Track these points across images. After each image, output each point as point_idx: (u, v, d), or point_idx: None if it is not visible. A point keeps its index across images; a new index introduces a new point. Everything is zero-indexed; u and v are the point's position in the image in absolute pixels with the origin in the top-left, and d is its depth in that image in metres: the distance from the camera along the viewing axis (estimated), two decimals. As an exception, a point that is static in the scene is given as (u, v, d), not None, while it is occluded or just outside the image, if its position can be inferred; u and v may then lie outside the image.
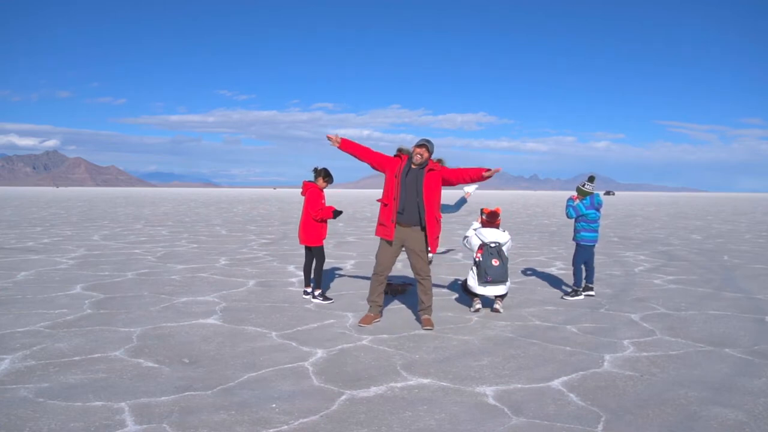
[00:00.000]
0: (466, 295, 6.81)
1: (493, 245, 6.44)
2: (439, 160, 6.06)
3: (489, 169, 5.68)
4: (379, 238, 5.93)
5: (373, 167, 5.96)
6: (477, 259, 6.45)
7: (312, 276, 7.14)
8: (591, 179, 7.65)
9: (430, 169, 5.76)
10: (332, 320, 6.06)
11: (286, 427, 3.42)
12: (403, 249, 5.90)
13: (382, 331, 5.65)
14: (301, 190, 7.15)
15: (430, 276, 5.93)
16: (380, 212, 5.93)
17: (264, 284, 8.24)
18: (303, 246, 7.24)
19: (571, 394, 3.98)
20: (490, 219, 6.77)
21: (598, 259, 11.45)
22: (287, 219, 24.61)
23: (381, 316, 6.07)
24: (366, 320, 5.88)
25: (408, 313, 6.50)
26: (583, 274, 7.56)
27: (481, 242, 6.49)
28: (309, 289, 7.20)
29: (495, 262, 6.35)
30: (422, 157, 5.71)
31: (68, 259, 10.73)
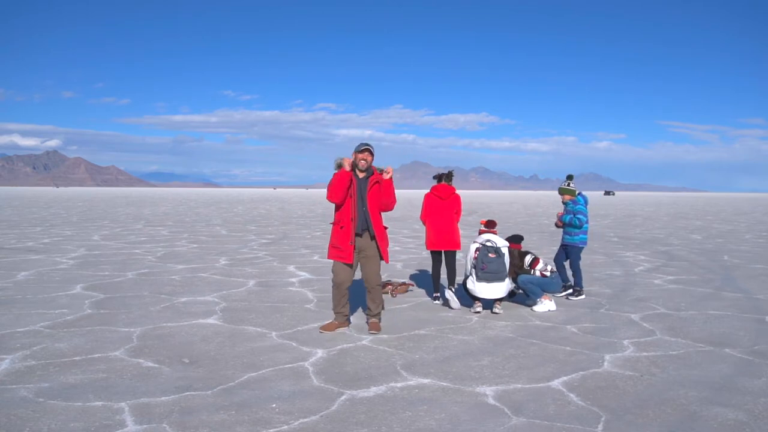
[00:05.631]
0: (467, 295, 6.82)
1: (489, 244, 6.49)
2: (381, 171, 5.70)
3: (383, 173, 5.58)
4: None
5: (340, 202, 5.59)
6: (474, 261, 6.48)
7: (447, 276, 7.11)
8: (571, 177, 7.50)
9: (376, 182, 5.56)
10: (332, 320, 6.05)
11: (286, 427, 3.42)
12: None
13: (382, 331, 5.64)
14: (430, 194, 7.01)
15: (380, 285, 5.76)
16: (334, 234, 5.63)
17: (264, 284, 8.24)
18: (431, 252, 7.13)
19: (571, 394, 3.98)
20: (488, 227, 6.87)
21: (598, 259, 11.46)
22: (287, 219, 24.62)
23: (349, 323, 5.89)
24: (328, 327, 5.67)
25: (408, 313, 6.50)
26: (565, 274, 7.32)
27: (477, 246, 6.53)
28: (439, 297, 7.05)
29: (491, 255, 6.39)
30: (367, 162, 5.52)
31: (68, 259, 10.73)
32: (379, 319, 5.78)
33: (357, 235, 5.56)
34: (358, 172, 5.57)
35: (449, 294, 6.82)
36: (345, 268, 5.60)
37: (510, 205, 46.88)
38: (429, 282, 8.55)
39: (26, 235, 15.61)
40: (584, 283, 7.61)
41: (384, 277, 8.80)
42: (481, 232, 6.82)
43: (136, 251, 12.10)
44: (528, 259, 6.83)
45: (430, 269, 9.86)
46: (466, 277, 6.68)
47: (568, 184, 7.46)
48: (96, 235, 15.86)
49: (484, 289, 6.38)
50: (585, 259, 11.38)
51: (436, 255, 7.15)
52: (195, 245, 13.50)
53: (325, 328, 5.69)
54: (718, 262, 11.13)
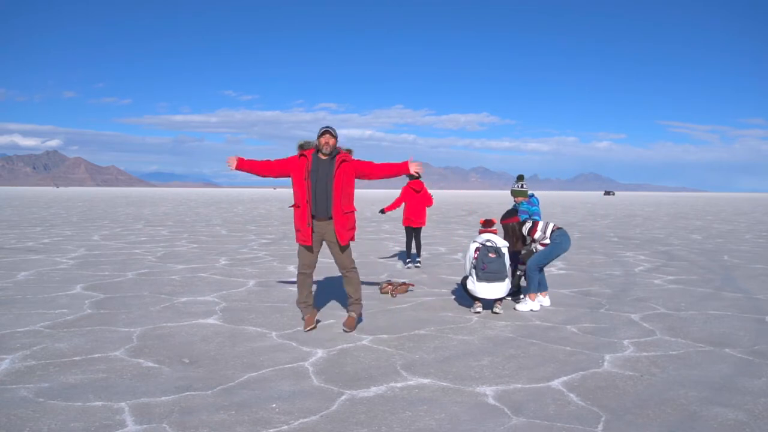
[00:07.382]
0: (466, 295, 6.82)
1: (489, 243, 6.48)
2: (349, 151, 5.74)
3: (414, 163, 5.59)
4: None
5: (278, 177, 5.69)
6: (474, 261, 6.47)
7: (415, 250, 10.09)
8: (521, 178, 7.37)
9: (343, 161, 5.52)
10: (332, 320, 6.05)
11: (286, 427, 3.42)
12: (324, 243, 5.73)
13: (382, 331, 5.65)
14: (408, 188, 10.04)
15: (354, 268, 5.73)
16: (294, 216, 5.64)
17: (264, 284, 8.24)
18: (405, 228, 10.13)
19: (571, 394, 3.98)
20: (486, 226, 6.85)
21: (598, 259, 11.45)
22: (287, 219, 24.60)
23: (317, 311, 5.84)
24: (308, 324, 5.66)
25: (408, 313, 6.50)
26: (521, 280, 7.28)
27: (477, 246, 6.52)
28: (410, 261, 10.00)
29: (492, 255, 6.38)
30: (330, 145, 5.48)
31: (68, 259, 10.74)
32: (357, 313, 5.75)
33: (314, 217, 5.54)
34: (320, 155, 5.54)
35: (412, 263, 9.89)
36: (307, 252, 5.62)
37: (510, 205, 46.93)
38: (428, 282, 8.60)
39: (26, 235, 15.61)
40: (584, 283, 7.60)
41: (384, 277, 8.81)
42: (480, 232, 6.81)
43: (136, 251, 12.10)
44: (528, 225, 6.88)
45: (429, 268, 9.92)
46: (466, 277, 6.67)
47: (521, 186, 7.29)
48: (96, 235, 15.86)
49: (484, 289, 6.38)
50: (585, 259, 11.39)
51: (408, 231, 10.06)
52: (195, 245, 13.50)
53: (306, 326, 5.64)
54: (718, 262, 11.13)
